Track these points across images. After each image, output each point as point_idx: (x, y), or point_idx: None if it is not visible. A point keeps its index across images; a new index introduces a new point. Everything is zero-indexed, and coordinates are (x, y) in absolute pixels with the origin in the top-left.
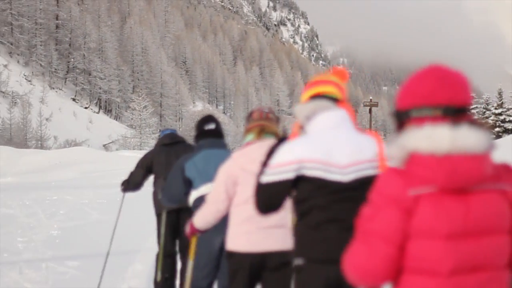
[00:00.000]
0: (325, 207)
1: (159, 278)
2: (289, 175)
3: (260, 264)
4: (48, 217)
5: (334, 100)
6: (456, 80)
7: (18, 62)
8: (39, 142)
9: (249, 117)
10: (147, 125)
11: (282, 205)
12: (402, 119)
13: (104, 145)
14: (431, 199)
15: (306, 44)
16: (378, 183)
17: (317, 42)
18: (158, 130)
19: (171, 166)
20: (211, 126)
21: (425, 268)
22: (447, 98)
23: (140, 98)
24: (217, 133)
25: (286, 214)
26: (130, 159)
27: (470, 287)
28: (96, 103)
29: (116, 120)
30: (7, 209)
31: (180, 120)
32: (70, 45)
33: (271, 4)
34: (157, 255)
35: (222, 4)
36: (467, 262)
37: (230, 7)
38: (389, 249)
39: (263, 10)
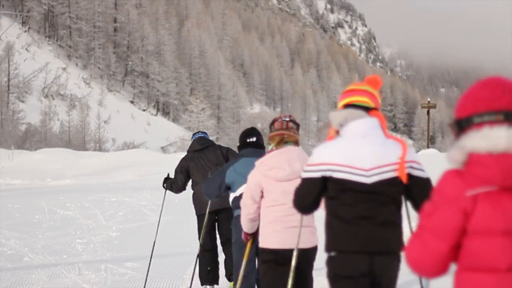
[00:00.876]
0: (353, 205)
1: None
2: (315, 174)
3: (287, 259)
4: (107, 219)
5: (366, 108)
6: None
7: (76, 65)
8: (97, 145)
9: (271, 125)
10: (204, 128)
11: (313, 205)
12: (463, 126)
13: (162, 148)
14: (488, 198)
15: (363, 46)
16: (438, 183)
17: (375, 44)
18: (192, 134)
19: (203, 170)
20: (253, 139)
21: (483, 265)
22: (508, 103)
23: (198, 100)
24: (258, 145)
25: (310, 215)
26: None
27: None
28: (154, 105)
29: (174, 122)
30: (66, 211)
31: (238, 122)
32: (128, 48)
33: (328, 6)
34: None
35: (280, 6)
36: None
37: (288, 10)
38: (441, 246)
39: (321, 12)
